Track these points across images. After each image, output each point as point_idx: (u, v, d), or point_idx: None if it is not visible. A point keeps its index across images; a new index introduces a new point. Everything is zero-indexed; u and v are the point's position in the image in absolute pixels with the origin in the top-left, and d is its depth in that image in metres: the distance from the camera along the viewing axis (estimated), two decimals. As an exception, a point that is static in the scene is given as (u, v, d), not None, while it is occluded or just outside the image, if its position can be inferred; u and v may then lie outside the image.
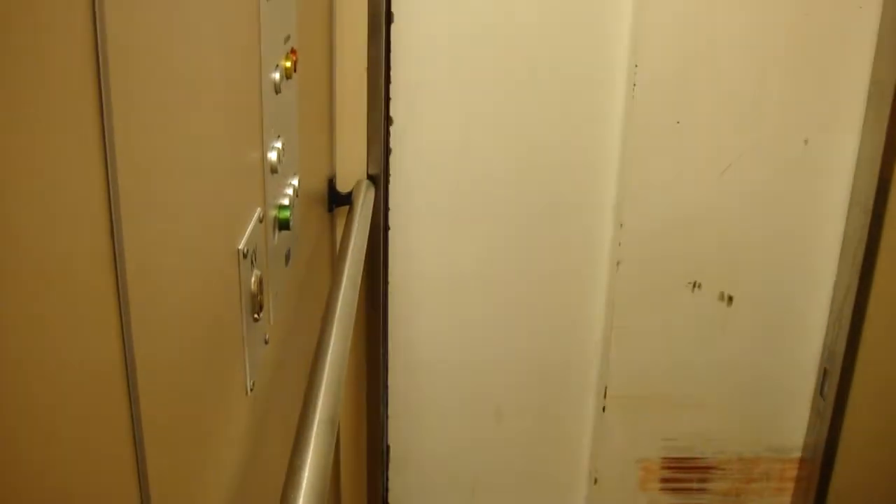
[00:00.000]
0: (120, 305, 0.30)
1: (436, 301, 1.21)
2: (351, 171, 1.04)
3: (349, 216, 0.91)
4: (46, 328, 0.24)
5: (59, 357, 0.25)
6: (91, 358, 0.28)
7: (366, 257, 0.82)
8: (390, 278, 1.18)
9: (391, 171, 1.10)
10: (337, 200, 1.02)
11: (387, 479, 1.36)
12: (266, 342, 0.63)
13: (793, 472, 1.34)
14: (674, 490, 1.39)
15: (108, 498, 0.30)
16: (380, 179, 1.04)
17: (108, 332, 0.30)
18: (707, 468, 1.38)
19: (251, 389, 0.58)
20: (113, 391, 0.30)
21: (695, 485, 1.40)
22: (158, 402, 0.36)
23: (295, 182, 0.70)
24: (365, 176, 1.04)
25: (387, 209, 1.12)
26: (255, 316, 0.57)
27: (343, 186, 1.04)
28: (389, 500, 1.36)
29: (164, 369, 0.38)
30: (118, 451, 0.31)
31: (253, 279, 0.55)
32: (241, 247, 0.53)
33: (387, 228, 1.14)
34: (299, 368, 0.76)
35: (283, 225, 0.63)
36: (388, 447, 1.33)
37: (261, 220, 0.57)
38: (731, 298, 1.20)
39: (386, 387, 1.30)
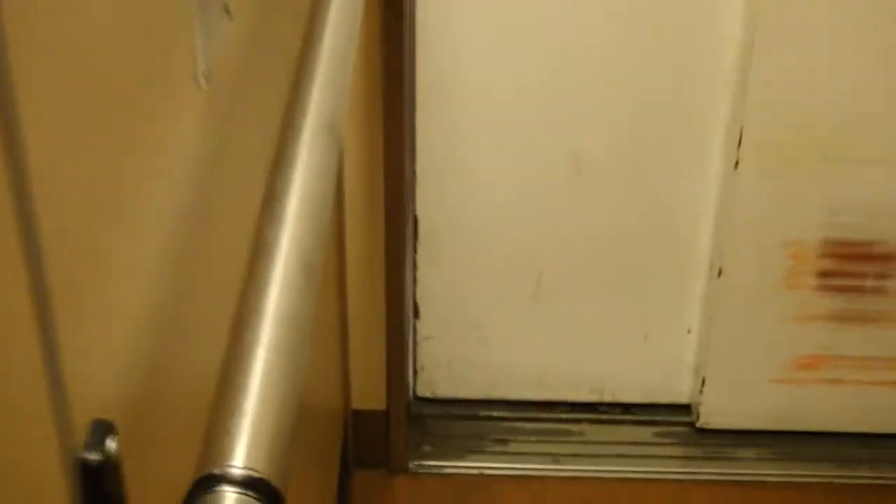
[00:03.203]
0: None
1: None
2: None
3: None
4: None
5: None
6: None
7: None
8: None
9: None
10: None
11: (414, 262, 1.52)
12: (228, 13, 0.61)
13: None
14: (837, 289, 1.46)
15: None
16: None
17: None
18: (889, 258, 1.43)
19: (206, 79, 0.56)
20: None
21: (869, 282, 1.45)
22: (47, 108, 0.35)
23: None
24: None
25: None
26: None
27: None
28: (418, 294, 1.56)
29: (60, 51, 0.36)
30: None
31: None
32: None
33: None
34: (282, 55, 0.74)
35: None
36: (415, 219, 1.49)
37: None
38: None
39: (413, 123, 1.41)
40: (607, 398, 1.65)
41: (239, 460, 0.40)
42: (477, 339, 1.61)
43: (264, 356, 0.45)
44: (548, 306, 1.57)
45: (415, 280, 1.56)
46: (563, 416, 1.64)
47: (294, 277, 0.50)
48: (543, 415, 1.64)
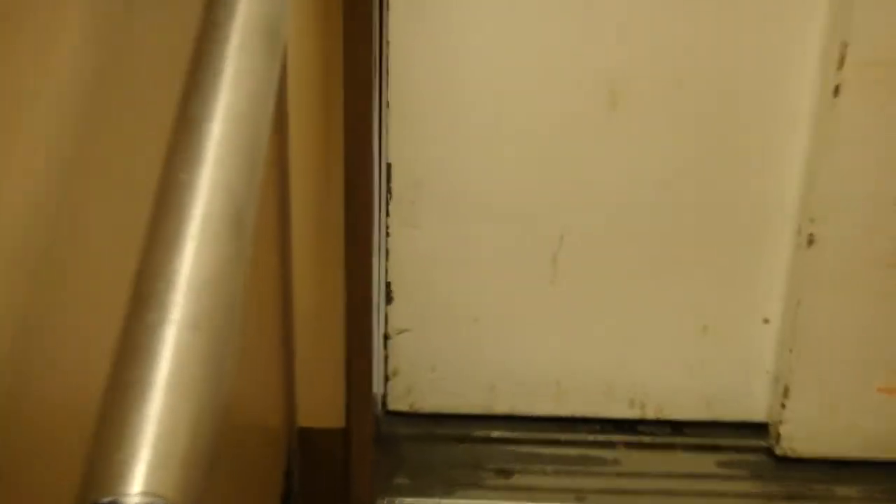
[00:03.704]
0: None
1: None
2: None
3: None
4: None
5: None
6: None
7: None
8: None
9: None
10: None
11: (386, 227, 1.54)
12: None
13: None
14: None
15: None
16: None
17: None
18: None
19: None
20: None
21: None
22: None
23: None
24: None
25: None
26: None
27: None
28: (390, 271, 1.59)
29: None
30: None
31: None
32: None
33: None
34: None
35: None
36: (388, 167, 1.50)
37: None
38: None
39: (384, 22, 1.44)
40: (651, 414, 1.66)
41: (136, 485, 0.40)
42: (472, 333, 1.62)
43: (175, 338, 0.44)
44: (570, 287, 1.58)
45: (386, 252, 1.56)
46: (591, 438, 1.66)
47: (217, 232, 0.50)
48: (563, 436, 1.65)
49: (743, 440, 1.66)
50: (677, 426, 1.68)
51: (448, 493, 1.59)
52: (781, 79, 1.47)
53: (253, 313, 1.24)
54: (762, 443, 1.65)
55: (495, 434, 1.66)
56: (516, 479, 1.60)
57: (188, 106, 0.57)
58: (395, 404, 1.68)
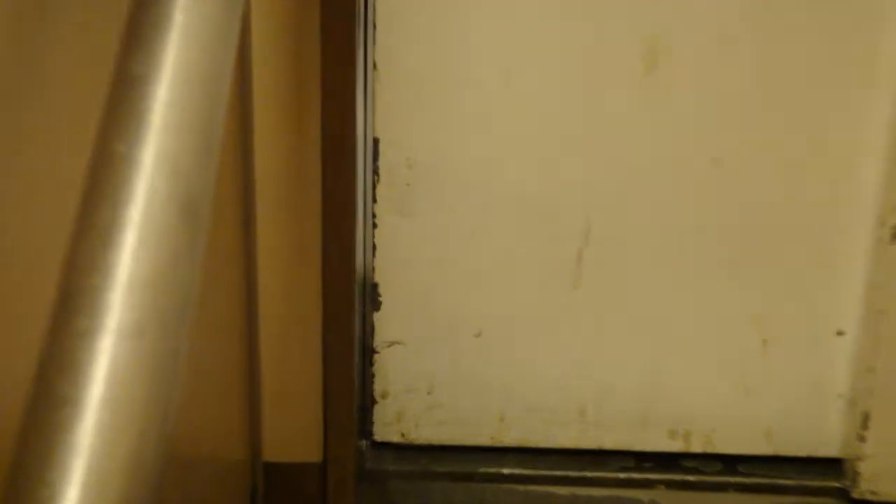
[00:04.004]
0: None
1: None
2: None
3: None
4: None
5: None
6: None
7: None
8: None
9: None
10: None
11: (373, 215, 1.54)
12: None
13: None
14: None
15: None
16: None
17: None
18: None
19: None
20: None
21: None
22: None
23: None
24: None
25: None
26: None
27: None
28: (378, 270, 1.58)
29: None
30: None
31: None
32: None
33: None
34: None
35: None
36: (375, 143, 1.48)
37: None
38: None
39: None
40: (697, 447, 1.66)
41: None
42: (476, 347, 1.61)
43: (113, 349, 0.44)
44: (597, 292, 1.58)
45: (373, 247, 1.57)
46: (623, 476, 1.65)
47: (164, 217, 0.50)
48: (588, 474, 1.64)
49: (811, 480, 1.66)
50: (730, 462, 1.68)
51: (448, 544, 1.60)
52: (863, 28, 1.46)
53: (208, 319, 1.23)
54: (835, 483, 1.65)
55: (505, 471, 1.66)
56: (532, 528, 1.59)
57: (127, 63, 0.57)
58: (384, 434, 1.67)
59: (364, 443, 1.67)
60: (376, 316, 1.62)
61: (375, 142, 1.52)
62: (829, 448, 1.66)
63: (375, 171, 1.53)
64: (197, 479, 1.28)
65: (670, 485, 1.66)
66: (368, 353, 1.63)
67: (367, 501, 1.63)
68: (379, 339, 1.63)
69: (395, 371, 1.65)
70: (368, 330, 1.62)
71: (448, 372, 1.65)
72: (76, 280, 0.48)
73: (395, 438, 1.68)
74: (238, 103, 1.35)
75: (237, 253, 1.41)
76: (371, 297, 1.60)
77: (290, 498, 1.57)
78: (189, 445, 1.17)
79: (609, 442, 1.67)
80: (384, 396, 1.66)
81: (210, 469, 1.36)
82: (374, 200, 1.54)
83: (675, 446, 1.67)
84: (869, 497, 1.63)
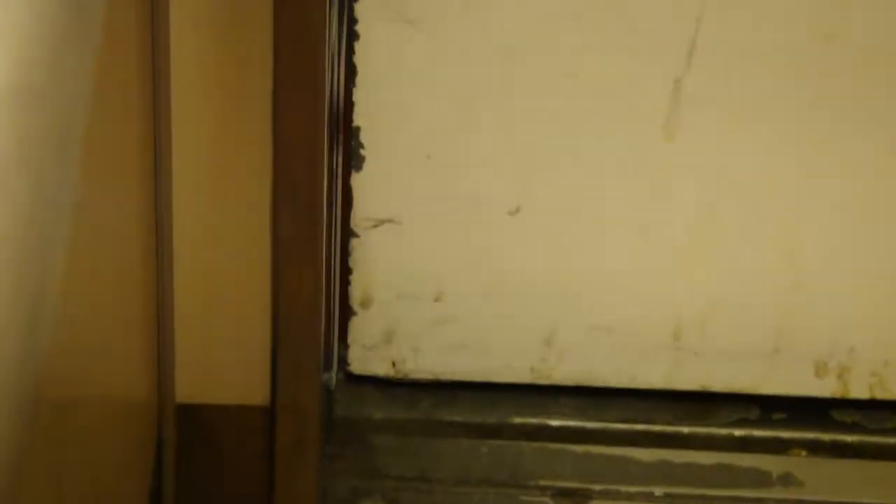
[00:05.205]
0: None
1: None
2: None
3: None
4: None
5: None
6: None
7: None
8: None
9: None
10: None
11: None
12: None
13: None
14: None
15: None
16: None
17: None
18: None
19: None
20: None
21: None
22: None
23: None
24: None
25: None
26: None
27: None
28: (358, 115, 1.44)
29: None
30: None
31: None
32: None
33: None
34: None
35: None
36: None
37: None
38: None
39: None
40: (861, 390, 1.45)
41: None
42: (513, 230, 1.43)
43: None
44: (703, 142, 1.40)
45: (351, 68, 1.39)
46: (737, 433, 1.45)
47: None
48: (686, 429, 1.45)
49: None
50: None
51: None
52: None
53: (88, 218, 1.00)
54: None
55: (554, 423, 1.45)
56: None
57: None
58: (365, 364, 1.48)
59: (334, 376, 1.47)
60: (356, 178, 1.40)
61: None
62: None
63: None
64: (74, 426, 1.09)
65: (816, 448, 1.44)
66: (343, 236, 1.44)
67: (339, 468, 1.43)
68: (359, 216, 1.42)
69: (384, 265, 1.45)
70: (343, 201, 1.43)
71: (467, 268, 1.44)
72: None
73: (383, 370, 1.47)
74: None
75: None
76: (347, 148, 1.39)
77: (216, 455, 1.40)
78: (65, 383, 0.99)
79: (718, 381, 1.45)
80: (366, 305, 1.45)
81: (97, 413, 1.21)
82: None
83: (825, 389, 1.45)
84: None
